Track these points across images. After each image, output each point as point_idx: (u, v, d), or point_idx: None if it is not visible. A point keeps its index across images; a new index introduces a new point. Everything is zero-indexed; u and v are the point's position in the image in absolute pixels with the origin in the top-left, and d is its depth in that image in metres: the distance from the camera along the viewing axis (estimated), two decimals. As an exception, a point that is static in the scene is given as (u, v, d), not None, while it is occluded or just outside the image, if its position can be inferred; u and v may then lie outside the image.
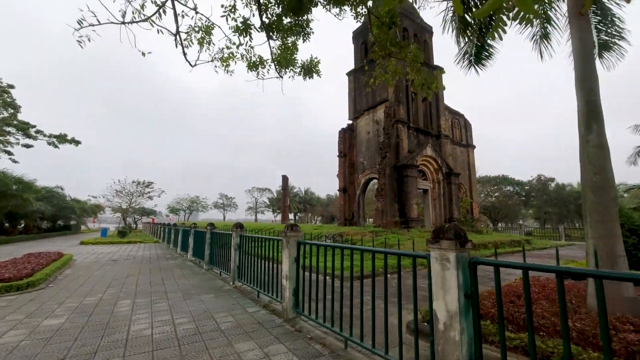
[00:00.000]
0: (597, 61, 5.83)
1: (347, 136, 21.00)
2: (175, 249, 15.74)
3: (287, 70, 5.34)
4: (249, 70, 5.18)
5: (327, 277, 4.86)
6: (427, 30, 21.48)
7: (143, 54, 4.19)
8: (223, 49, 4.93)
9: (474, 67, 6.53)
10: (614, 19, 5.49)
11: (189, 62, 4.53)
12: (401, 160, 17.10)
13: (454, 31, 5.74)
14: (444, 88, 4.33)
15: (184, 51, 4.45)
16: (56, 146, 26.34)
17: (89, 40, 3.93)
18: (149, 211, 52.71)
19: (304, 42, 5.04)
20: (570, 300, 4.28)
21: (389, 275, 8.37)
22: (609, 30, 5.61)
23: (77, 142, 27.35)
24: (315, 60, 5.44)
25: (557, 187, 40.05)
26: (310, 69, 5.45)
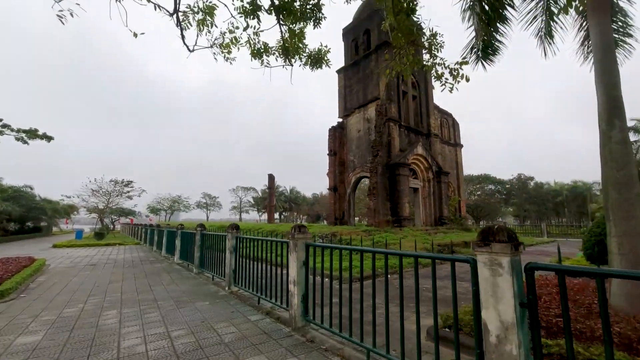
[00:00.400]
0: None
1: (338, 134, 20.73)
2: (159, 251, 14.93)
3: (294, 58, 4.94)
4: (252, 58, 4.74)
5: (328, 279, 4.54)
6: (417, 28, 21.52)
7: (135, 35, 3.69)
8: (225, 33, 4.47)
9: (482, 62, 6.38)
10: (625, 16, 5.46)
11: (187, 46, 4.06)
12: (393, 158, 17.01)
13: (472, 20, 5.54)
14: (465, 81, 4.05)
15: (182, 33, 3.98)
16: (25, 142, 24.50)
17: (72, 15, 3.39)
18: (128, 211, 50.56)
19: (314, 27, 4.66)
20: (592, 301, 4.15)
21: (389, 275, 8.16)
22: (618, 28, 5.58)
23: (49, 138, 25.54)
24: (325, 49, 5.07)
25: (536, 186, 41.60)
26: (319, 59, 5.07)
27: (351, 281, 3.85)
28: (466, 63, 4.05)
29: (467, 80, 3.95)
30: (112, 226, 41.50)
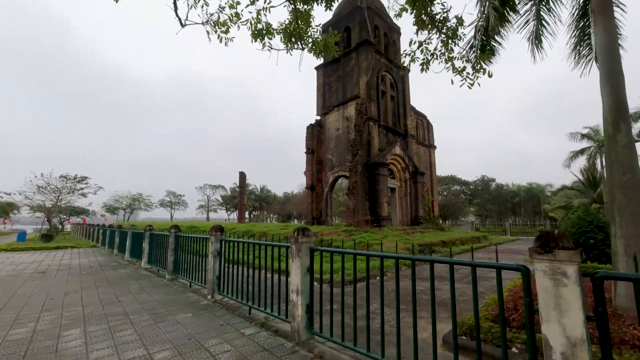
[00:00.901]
0: (594, 64, 5.98)
1: (316, 132, 20.36)
2: (121, 254, 13.55)
3: (299, 43, 4.46)
4: (253, 40, 4.17)
5: (327, 285, 4.18)
6: (396, 31, 21.79)
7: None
8: (224, 8, 3.86)
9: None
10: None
11: (179, 19, 3.44)
12: (372, 158, 17.01)
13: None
14: (487, 76, 3.81)
15: (175, 3, 3.34)
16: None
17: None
18: (80, 210, 46.27)
19: (326, 9, 4.23)
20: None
21: (374, 279, 7.96)
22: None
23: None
24: (334, 34, 4.65)
25: (497, 187, 44.48)
26: (326, 46, 4.64)
27: (355, 288, 3.52)
28: (492, 54, 3.87)
29: (490, 75, 3.78)
30: (60, 227, 37.52)
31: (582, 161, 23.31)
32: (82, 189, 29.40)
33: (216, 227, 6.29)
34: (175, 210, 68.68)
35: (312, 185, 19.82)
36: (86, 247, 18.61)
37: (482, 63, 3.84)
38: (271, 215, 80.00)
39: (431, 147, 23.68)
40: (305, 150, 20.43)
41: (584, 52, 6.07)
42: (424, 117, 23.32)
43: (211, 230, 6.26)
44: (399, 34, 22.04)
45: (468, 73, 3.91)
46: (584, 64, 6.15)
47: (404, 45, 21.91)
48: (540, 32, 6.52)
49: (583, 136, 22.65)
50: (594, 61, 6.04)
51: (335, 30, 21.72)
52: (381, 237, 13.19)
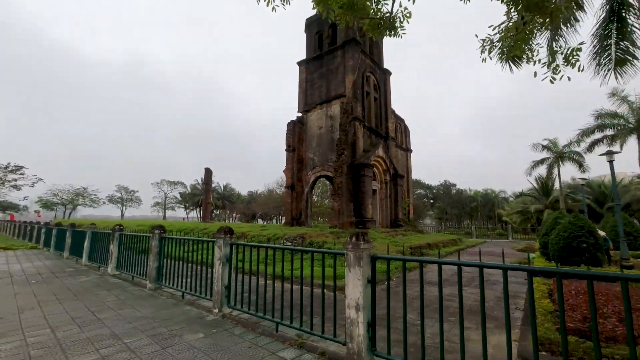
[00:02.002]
0: (612, 74, 6.15)
1: (297, 129, 19.59)
2: (75, 258, 11.57)
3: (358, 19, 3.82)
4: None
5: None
6: (379, 34, 21.92)
7: None
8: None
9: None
10: (633, 36, 5.89)
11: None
12: (358, 158, 16.75)
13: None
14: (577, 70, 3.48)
15: None
16: None
17: None
18: (8, 205, 40.26)
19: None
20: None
21: (382, 284, 7.59)
22: (625, 47, 6.01)
23: None
24: (404, 11, 4.06)
25: (458, 192, 47.32)
26: (392, 25, 4.05)
27: (422, 298, 3.04)
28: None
29: (581, 70, 3.53)
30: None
31: (542, 170, 25.72)
32: (16, 180, 25.12)
33: (224, 229, 5.37)
34: (126, 208, 62.63)
35: (292, 185, 19.02)
36: (23, 248, 15.80)
37: (577, 55, 3.51)
38: (234, 215, 76.68)
39: (408, 150, 24.24)
40: (285, 147, 19.56)
41: (604, 61, 6.27)
42: (402, 120, 23.79)
43: (219, 233, 5.32)
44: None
45: (558, 64, 3.61)
46: (604, 72, 6.34)
47: (386, 48, 22.08)
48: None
49: (543, 147, 24.91)
50: (612, 71, 6.22)
51: (319, 26, 21.00)
52: (382, 239, 12.91)
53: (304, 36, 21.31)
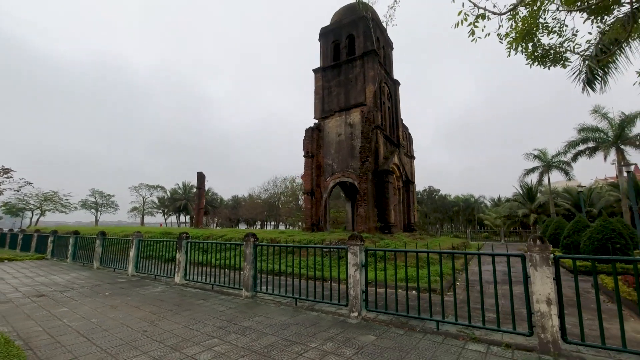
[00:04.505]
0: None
1: (315, 136, 19.90)
2: (111, 268, 10.96)
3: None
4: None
5: None
6: (390, 45, 22.91)
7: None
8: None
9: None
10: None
11: None
12: (381, 165, 17.38)
13: None
14: None
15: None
16: None
17: None
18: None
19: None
20: None
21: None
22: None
23: None
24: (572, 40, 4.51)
25: (441, 197, 49.80)
26: (556, 55, 4.49)
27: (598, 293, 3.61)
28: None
29: None
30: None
31: (534, 177, 28.17)
32: (1, 183, 22.86)
33: (354, 235, 5.64)
34: (101, 214, 58.52)
35: (312, 190, 19.23)
36: (29, 259, 14.55)
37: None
38: (215, 220, 74.49)
39: (412, 157, 25.37)
40: (304, 153, 19.75)
41: None
42: (406, 128, 24.91)
43: (353, 240, 5.58)
44: (392, 48, 23.24)
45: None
46: None
47: (396, 60, 23.16)
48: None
49: (535, 157, 27.29)
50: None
51: (335, 36, 21.63)
52: (413, 243, 13.47)
53: (274, 41, 21.74)
